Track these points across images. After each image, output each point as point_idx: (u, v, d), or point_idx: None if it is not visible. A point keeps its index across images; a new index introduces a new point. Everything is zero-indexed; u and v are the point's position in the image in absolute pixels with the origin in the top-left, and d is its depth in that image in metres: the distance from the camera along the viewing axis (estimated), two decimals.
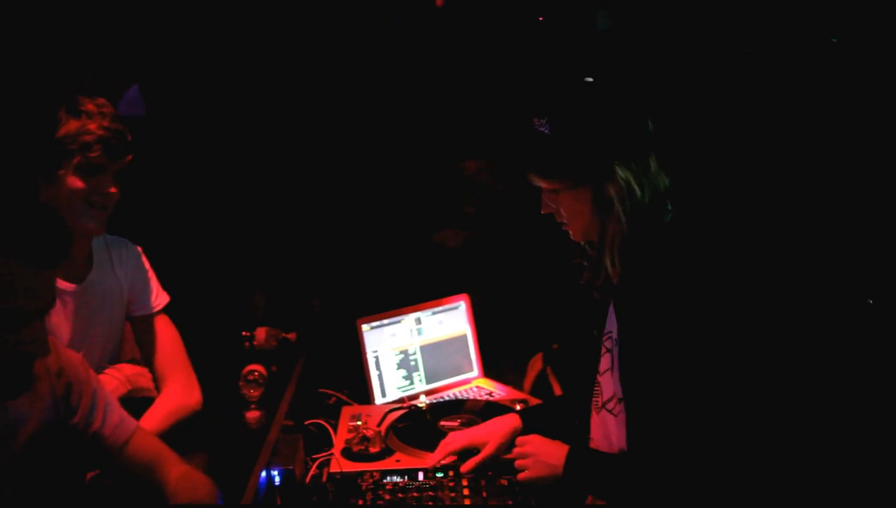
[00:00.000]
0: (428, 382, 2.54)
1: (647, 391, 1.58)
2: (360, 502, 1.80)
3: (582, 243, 1.72)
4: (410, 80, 2.88)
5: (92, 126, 1.85)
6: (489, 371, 2.65)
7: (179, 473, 1.67)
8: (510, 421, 1.96)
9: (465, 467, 1.90)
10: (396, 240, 2.85)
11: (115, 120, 1.90)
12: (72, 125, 1.84)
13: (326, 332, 2.61)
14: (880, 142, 2.61)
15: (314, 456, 2.01)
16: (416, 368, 2.53)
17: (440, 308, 2.60)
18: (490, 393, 2.52)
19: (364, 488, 1.86)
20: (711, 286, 1.54)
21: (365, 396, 2.43)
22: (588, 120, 1.61)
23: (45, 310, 1.39)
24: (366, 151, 2.83)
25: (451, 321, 2.61)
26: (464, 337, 2.63)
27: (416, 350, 2.53)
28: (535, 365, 2.65)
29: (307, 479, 1.90)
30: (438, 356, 2.57)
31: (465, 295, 2.65)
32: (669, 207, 1.64)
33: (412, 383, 2.51)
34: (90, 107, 1.87)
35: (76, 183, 1.86)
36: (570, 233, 1.71)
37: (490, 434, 1.94)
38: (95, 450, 1.61)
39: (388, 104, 2.88)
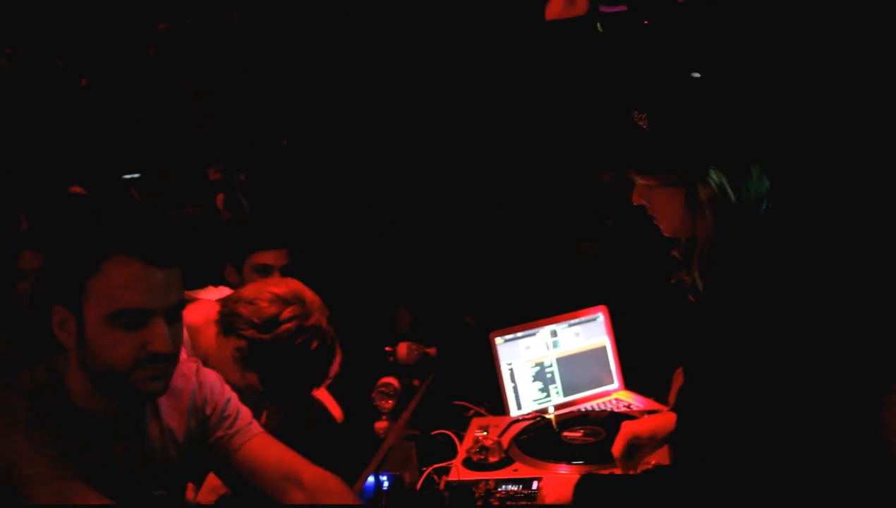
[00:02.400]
0: (566, 394, 2.53)
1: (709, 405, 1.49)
2: None
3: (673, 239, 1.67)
4: (549, 89, 2.90)
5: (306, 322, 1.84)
6: (632, 383, 2.59)
7: (314, 475, 1.59)
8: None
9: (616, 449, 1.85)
10: (537, 252, 2.87)
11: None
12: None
13: (467, 346, 2.68)
14: None
15: (436, 466, 2.08)
16: (552, 380, 2.52)
17: (577, 320, 2.58)
18: (629, 406, 2.47)
19: (476, 496, 1.90)
20: (793, 297, 1.44)
21: (504, 410, 2.46)
22: (686, 117, 1.56)
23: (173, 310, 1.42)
24: (506, 165, 2.88)
25: (589, 333, 2.59)
26: (603, 349, 2.59)
27: (552, 362, 2.53)
28: (680, 377, 2.55)
29: (418, 485, 1.97)
30: (576, 368, 2.55)
31: (603, 307, 2.61)
32: (765, 206, 1.56)
33: (549, 395, 2.51)
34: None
35: None
36: (662, 228, 1.67)
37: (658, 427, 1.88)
38: (214, 456, 1.63)
39: (529, 115, 2.91)
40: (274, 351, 1.80)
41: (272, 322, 1.80)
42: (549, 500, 1.70)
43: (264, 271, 2.58)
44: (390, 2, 2.92)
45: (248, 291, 1.87)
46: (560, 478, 1.73)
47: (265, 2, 3.11)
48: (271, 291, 1.84)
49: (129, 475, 1.48)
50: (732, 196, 1.52)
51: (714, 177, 1.52)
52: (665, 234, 1.68)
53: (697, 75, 1.64)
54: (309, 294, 1.88)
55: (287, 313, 1.81)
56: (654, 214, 1.67)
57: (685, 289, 1.67)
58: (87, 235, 1.42)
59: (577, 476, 1.65)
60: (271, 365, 1.82)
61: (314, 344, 1.82)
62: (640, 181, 1.65)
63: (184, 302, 1.46)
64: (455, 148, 2.90)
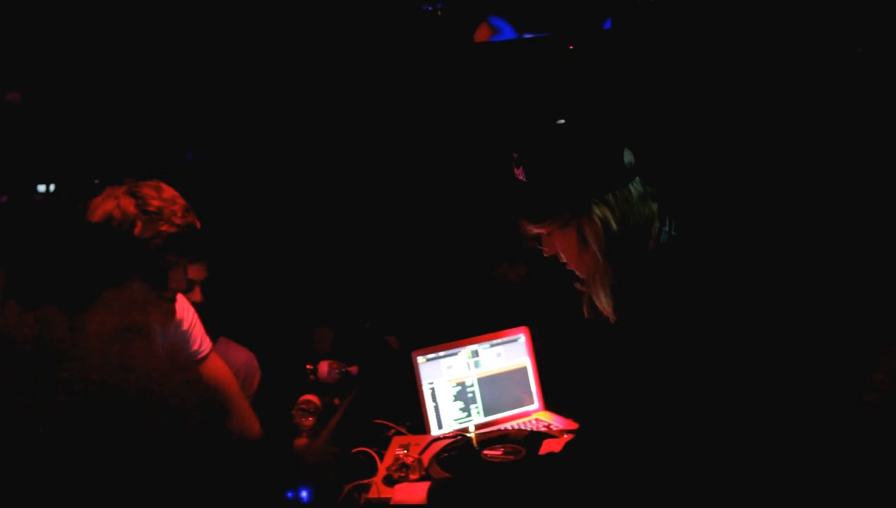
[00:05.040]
0: (486, 414, 2.54)
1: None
2: None
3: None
4: (478, 112, 2.95)
5: (163, 227, 1.83)
6: (552, 404, 2.62)
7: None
8: None
9: None
10: (460, 274, 2.89)
11: (185, 212, 1.89)
12: (143, 229, 1.81)
13: (388, 365, 2.67)
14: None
15: (356, 483, 2.06)
16: (473, 400, 2.54)
17: (498, 340, 2.61)
18: (548, 426, 2.50)
19: None
20: (699, 317, 1.50)
21: (425, 429, 2.46)
22: (557, 163, 1.62)
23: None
24: (429, 188, 2.91)
25: (510, 353, 2.62)
26: (523, 370, 2.62)
27: (473, 382, 2.55)
28: None
29: (338, 500, 1.95)
30: (497, 388, 2.58)
31: (524, 328, 2.65)
32: (666, 228, 1.62)
33: (469, 415, 2.52)
34: (157, 203, 1.84)
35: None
36: (576, 271, 1.72)
37: None
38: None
39: (452, 139, 2.95)
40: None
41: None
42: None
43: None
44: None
45: None
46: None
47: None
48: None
49: None
50: (615, 224, 1.59)
51: (597, 211, 1.59)
52: (580, 275, 1.73)
53: (562, 121, 1.72)
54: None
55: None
56: (563, 260, 1.73)
57: (600, 317, 1.72)
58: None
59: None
60: None
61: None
62: (536, 230, 1.71)
63: None
64: (380, 170, 2.92)
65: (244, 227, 2.72)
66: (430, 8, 2.86)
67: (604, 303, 1.64)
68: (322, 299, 2.82)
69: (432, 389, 2.50)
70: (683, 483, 1.51)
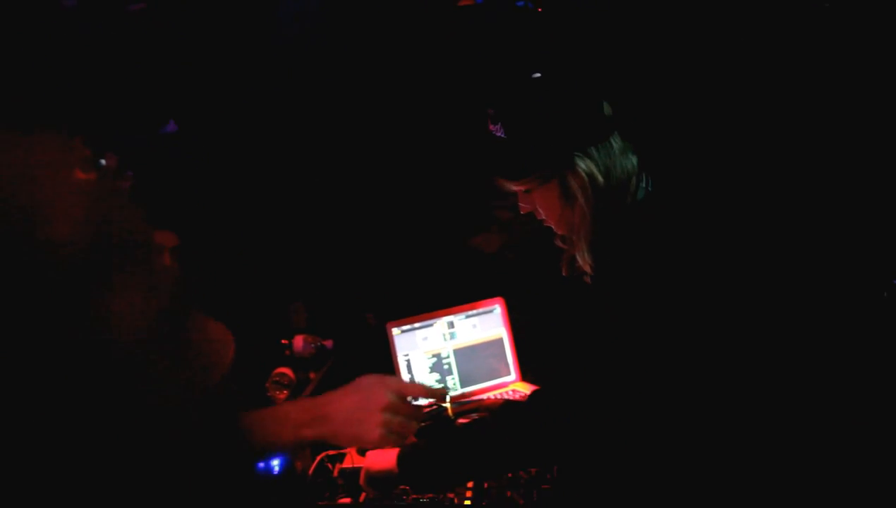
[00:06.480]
0: (463, 386, 2.53)
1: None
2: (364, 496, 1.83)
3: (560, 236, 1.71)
4: (450, 85, 2.92)
5: None
6: (529, 374, 2.62)
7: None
8: None
9: None
10: (434, 245, 2.87)
11: None
12: None
13: (364, 337, 2.66)
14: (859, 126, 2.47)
15: (329, 453, 2.05)
16: (449, 372, 2.53)
17: (474, 311, 2.60)
18: (525, 396, 2.49)
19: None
20: (675, 273, 1.49)
21: None
22: (538, 116, 1.60)
23: None
24: (402, 157, 2.88)
25: (486, 325, 2.61)
26: (500, 341, 2.61)
27: (449, 353, 2.54)
28: None
29: (310, 472, 1.94)
30: (473, 360, 2.57)
31: (500, 299, 2.63)
32: (643, 184, 1.61)
33: (446, 387, 2.51)
34: None
35: None
36: (554, 228, 1.71)
37: None
38: None
39: (425, 110, 2.92)
40: None
41: None
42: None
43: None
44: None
45: None
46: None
47: None
48: None
49: None
50: (600, 178, 1.57)
51: (581, 163, 1.57)
52: (558, 232, 1.72)
53: (538, 75, 1.69)
54: None
55: None
56: (541, 217, 1.71)
57: (579, 276, 1.71)
58: None
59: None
60: None
61: None
62: (515, 188, 1.69)
63: None
64: (352, 142, 2.88)
65: (218, 204, 2.68)
66: None
67: (586, 259, 1.62)
68: (297, 274, 2.80)
69: (408, 361, 2.49)
70: (648, 435, 1.51)
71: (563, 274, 1.74)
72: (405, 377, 2.46)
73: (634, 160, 1.61)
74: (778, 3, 2.58)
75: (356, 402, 1.30)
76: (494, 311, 2.62)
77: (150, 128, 2.66)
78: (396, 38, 2.83)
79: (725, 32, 2.61)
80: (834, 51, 2.54)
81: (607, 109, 1.62)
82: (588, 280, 1.72)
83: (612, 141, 1.59)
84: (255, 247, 2.82)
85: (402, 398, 1.35)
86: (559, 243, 1.72)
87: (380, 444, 1.28)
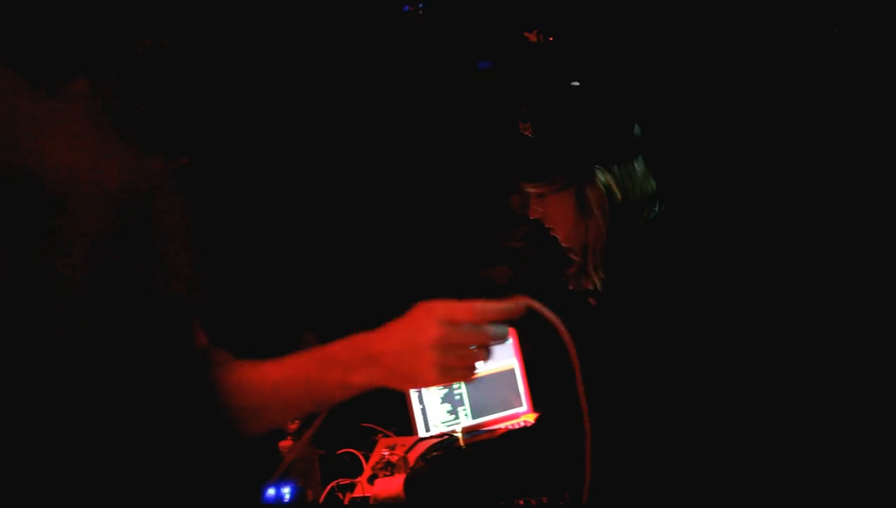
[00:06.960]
0: (474, 417, 2.52)
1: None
2: None
3: (568, 248, 1.71)
4: (459, 112, 2.94)
5: None
6: (540, 406, 2.61)
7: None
8: None
9: None
10: (446, 277, 2.88)
11: None
12: None
13: None
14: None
15: (341, 482, 2.04)
16: (461, 402, 2.52)
17: None
18: None
19: None
20: (689, 294, 1.49)
21: (413, 432, 2.44)
22: (569, 123, 1.62)
23: None
24: (416, 189, 2.90)
25: (498, 355, 2.60)
26: (511, 372, 2.61)
27: (460, 384, 2.53)
28: None
29: (321, 499, 1.93)
30: (485, 391, 2.56)
31: (511, 330, 2.63)
32: (656, 208, 1.62)
33: (457, 417, 2.50)
34: None
35: None
36: (558, 238, 1.71)
37: None
38: None
39: (437, 141, 2.94)
40: None
41: None
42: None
43: None
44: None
45: None
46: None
47: None
48: None
49: None
50: (619, 194, 1.58)
51: (601, 177, 1.59)
52: (563, 244, 1.72)
53: (577, 84, 1.71)
54: None
55: None
56: (549, 225, 1.72)
57: (585, 294, 1.71)
58: None
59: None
60: None
61: None
62: (531, 190, 1.70)
63: None
64: (355, 165, 2.90)
65: (234, 232, 2.70)
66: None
67: (598, 275, 1.62)
68: (308, 304, 2.81)
69: (419, 391, 2.48)
70: (658, 455, 1.50)
71: (570, 287, 1.73)
72: (416, 408, 2.45)
73: (654, 184, 1.62)
74: (792, 34, 2.60)
75: (404, 340, 1.15)
76: (506, 342, 2.61)
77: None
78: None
79: (741, 66, 2.64)
80: (848, 82, 2.56)
81: (637, 130, 1.63)
82: (593, 300, 1.72)
83: (636, 163, 1.60)
84: (266, 277, 2.83)
85: (456, 325, 1.18)
86: (571, 256, 1.72)
87: (441, 383, 1.17)
